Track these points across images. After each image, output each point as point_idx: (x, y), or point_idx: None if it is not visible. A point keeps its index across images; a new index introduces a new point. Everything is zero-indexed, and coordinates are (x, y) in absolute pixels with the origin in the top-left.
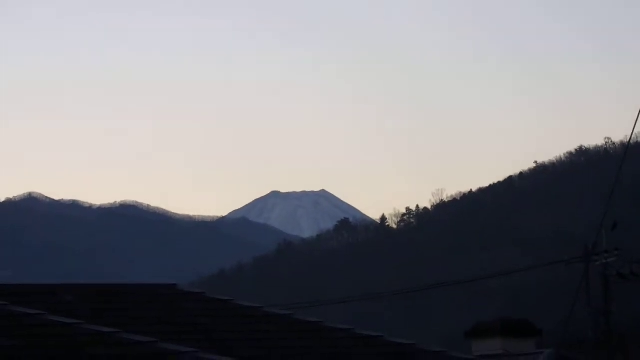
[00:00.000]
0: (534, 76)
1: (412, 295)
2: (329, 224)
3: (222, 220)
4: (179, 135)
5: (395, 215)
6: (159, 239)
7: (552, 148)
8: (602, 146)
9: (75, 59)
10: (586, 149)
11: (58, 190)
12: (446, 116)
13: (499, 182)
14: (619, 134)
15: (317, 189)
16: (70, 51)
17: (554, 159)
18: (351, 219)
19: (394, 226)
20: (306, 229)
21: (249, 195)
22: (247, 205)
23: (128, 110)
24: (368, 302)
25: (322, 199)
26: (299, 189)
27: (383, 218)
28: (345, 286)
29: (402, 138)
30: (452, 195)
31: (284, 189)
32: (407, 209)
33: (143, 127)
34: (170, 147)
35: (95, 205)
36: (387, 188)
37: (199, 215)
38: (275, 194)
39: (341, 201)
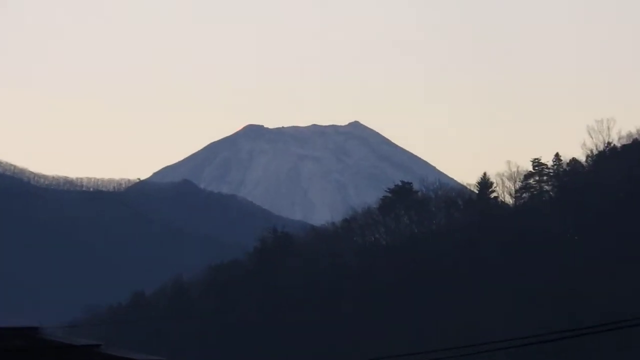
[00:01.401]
0: None
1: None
2: (367, 194)
3: (136, 189)
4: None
5: (511, 177)
6: (11, 224)
7: None
8: None
9: None
10: None
11: None
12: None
13: None
14: None
15: (342, 121)
16: None
17: None
18: (415, 184)
19: (509, 199)
20: (320, 205)
21: (198, 140)
22: (193, 157)
23: None
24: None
25: (354, 141)
26: (304, 122)
27: (484, 182)
28: (410, 324)
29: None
30: (629, 133)
31: (272, 122)
32: (536, 162)
33: None
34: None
35: None
36: (489, 123)
37: (90, 179)
38: (254, 131)
39: (392, 145)
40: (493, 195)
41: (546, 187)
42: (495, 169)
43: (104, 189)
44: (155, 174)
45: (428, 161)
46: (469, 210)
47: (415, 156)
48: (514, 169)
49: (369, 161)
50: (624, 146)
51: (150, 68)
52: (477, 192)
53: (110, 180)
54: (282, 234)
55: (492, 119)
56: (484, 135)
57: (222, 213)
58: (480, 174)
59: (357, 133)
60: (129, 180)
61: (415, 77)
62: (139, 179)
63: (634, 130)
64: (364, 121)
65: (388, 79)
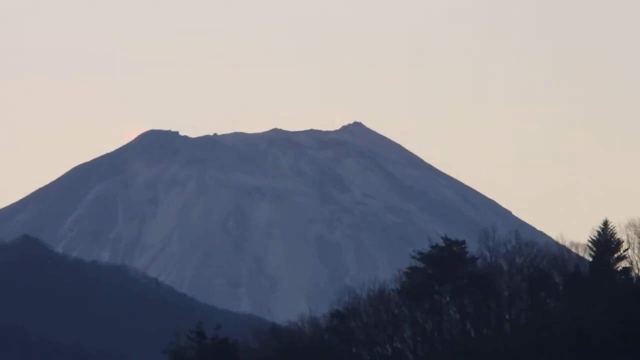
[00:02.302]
0: None
1: None
2: (379, 263)
3: None
4: None
5: None
6: None
7: None
8: None
9: None
10: None
11: None
12: None
13: None
14: None
15: (331, 122)
16: None
17: None
18: (471, 242)
19: None
20: (288, 285)
21: (51, 161)
22: (41, 194)
23: None
24: None
25: (353, 159)
26: (256, 126)
27: (604, 241)
28: None
29: None
30: None
31: (192, 125)
32: None
33: None
34: None
35: None
36: (603, 132)
37: None
38: (159, 143)
39: (426, 168)
40: (621, 264)
41: None
42: (625, 214)
43: None
44: None
45: (494, 199)
46: (575, 294)
47: (471, 189)
48: None
49: (381, 198)
50: None
51: None
52: (590, 258)
53: None
54: (215, 341)
55: (608, 125)
56: (595, 151)
57: (99, 300)
58: (596, 225)
59: (358, 145)
60: None
61: (470, 47)
62: None
63: None
64: (371, 123)
65: (415, 49)
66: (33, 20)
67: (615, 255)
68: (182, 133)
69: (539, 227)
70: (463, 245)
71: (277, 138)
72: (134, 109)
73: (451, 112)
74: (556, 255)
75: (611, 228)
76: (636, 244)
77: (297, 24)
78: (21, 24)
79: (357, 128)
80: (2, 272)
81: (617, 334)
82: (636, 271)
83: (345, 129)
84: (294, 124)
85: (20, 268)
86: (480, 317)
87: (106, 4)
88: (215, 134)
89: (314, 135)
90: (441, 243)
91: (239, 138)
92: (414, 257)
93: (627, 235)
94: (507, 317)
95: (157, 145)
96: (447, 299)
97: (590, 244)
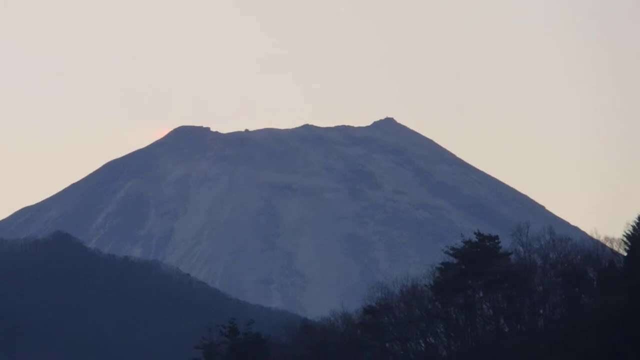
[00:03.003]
0: None
1: None
2: (411, 259)
3: None
4: None
5: None
6: None
7: None
8: None
9: None
10: None
11: None
12: None
13: None
14: None
15: (362, 119)
16: None
17: None
18: (504, 238)
19: None
20: (319, 281)
21: (84, 157)
22: (73, 190)
23: None
24: None
25: (383, 155)
26: (286, 122)
27: (638, 236)
28: None
29: None
30: None
31: (222, 122)
32: None
33: None
34: None
35: None
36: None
37: None
38: (190, 139)
39: (458, 164)
40: None
41: None
42: None
43: None
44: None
45: (528, 195)
46: (610, 289)
47: (503, 185)
48: None
49: (413, 195)
50: None
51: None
52: (625, 253)
53: None
54: (248, 336)
55: None
56: (630, 146)
57: (130, 294)
58: (631, 219)
59: (390, 141)
60: None
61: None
62: None
63: None
64: (403, 119)
65: (446, 44)
66: (69, 20)
67: None
68: (213, 129)
69: (573, 222)
70: (496, 241)
71: (308, 134)
72: (165, 105)
73: (483, 108)
74: (590, 250)
75: None
76: None
77: (328, 20)
78: (60, 24)
79: (388, 124)
80: (35, 268)
81: None
82: None
83: (376, 124)
84: (325, 119)
85: (53, 263)
86: (514, 313)
87: (139, 3)
88: (246, 130)
89: (344, 131)
90: (474, 238)
91: (269, 134)
92: (446, 253)
93: None
94: (541, 312)
95: (188, 142)
96: (480, 294)
97: (625, 239)
